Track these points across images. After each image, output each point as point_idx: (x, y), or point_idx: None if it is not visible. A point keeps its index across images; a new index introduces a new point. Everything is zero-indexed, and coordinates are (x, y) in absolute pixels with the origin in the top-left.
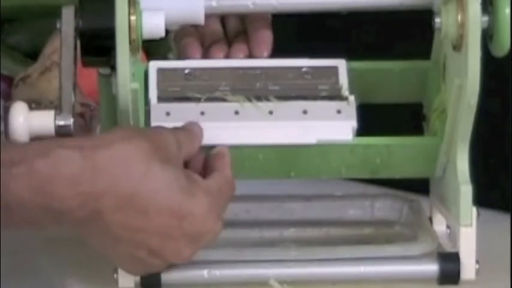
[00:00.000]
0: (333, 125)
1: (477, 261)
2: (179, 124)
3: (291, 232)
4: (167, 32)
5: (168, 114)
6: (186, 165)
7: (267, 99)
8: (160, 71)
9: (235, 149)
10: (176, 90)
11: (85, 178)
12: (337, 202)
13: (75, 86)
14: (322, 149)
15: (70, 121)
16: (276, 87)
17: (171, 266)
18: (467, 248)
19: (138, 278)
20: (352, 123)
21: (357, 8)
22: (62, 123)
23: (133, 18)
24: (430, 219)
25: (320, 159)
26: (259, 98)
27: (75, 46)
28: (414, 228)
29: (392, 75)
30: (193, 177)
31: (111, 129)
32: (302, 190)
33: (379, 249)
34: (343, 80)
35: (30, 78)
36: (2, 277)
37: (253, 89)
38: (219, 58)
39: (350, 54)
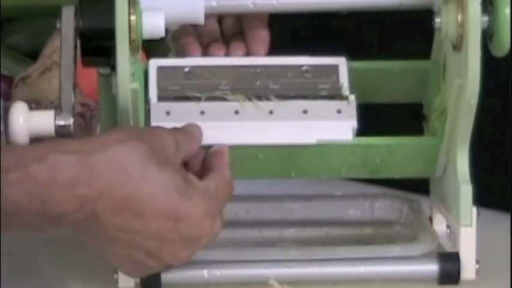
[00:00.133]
0: (333, 124)
1: (477, 261)
2: (179, 124)
3: (291, 232)
4: (167, 31)
5: (168, 113)
6: (185, 165)
7: (267, 99)
8: (160, 69)
9: (235, 149)
10: (176, 89)
11: (81, 182)
12: (337, 202)
13: (75, 86)
14: (322, 149)
15: (70, 121)
16: (276, 86)
17: (170, 267)
18: (467, 248)
19: (138, 278)
20: (352, 123)
21: (357, 8)
22: (62, 123)
23: (133, 18)
24: (430, 219)
25: (320, 159)
26: (259, 97)
27: (75, 46)
28: (414, 228)
29: (392, 75)
30: (190, 179)
31: (109, 130)
32: (302, 190)
33: (379, 249)
34: (344, 79)
35: (30, 78)
36: (1, 277)
37: (253, 87)
38: (219, 56)
39: (350, 54)
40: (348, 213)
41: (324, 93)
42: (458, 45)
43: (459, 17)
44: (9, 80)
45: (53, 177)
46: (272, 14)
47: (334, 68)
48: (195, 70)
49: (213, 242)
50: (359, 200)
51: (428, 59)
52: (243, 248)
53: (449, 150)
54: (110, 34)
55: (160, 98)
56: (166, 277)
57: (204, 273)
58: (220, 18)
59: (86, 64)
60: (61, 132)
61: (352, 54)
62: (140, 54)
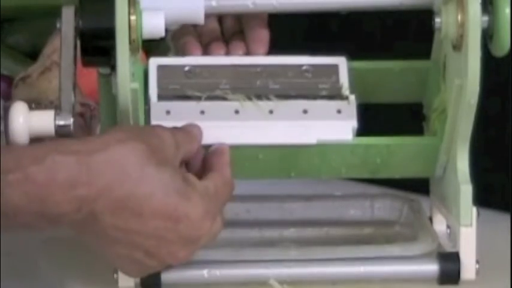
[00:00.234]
0: (333, 124)
1: (477, 261)
2: (179, 123)
3: (291, 232)
4: (167, 31)
5: (168, 112)
6: (186, 165)
7: (267, 98)
8: (161, 68)
9: (235, 149)
10: (176, 88)
11: (80, 182)
12: (337, 202)
13: (75, 86)
14: (322, 149)
15: (70, 121)
16: (276, 86)
17: (170, 266)
18: (467, 248)
19: (138, 278)
20: (352, 123)
21: (357, 8)
22: (62, 123)
23: (133, 18)
24: (430, 219)
25: (320, 159)
26: (259, 97)
27: (75, 46)
28: (414, 228)
29: (392, 75)
30: (189, 179)
31: (108, 129)
32: (302, 190)
33: (379, 249)
34: (344, 79)
35: (30, 78)
36: (1, 277)
37: (254, 87)
38: (219, 55)
39: (350, 54)
40: (348, 213)
41: (324, 93)
42: (458, 45)
43: (459, 17)
44: (9, 80)
45: (51, 178)
46: (272, 14)
47: (334, 68)
48: (195, 69)
49: (213, 241)
50: (359, 200)
51: (428, 59)
52: (243, 248)
53: (449, 150)
54: (110, 34)
55: (160, 97)
56: (166, 277)
57: (204, 273)
58: (220, 17)
59: (86, 64)
60: (61, 132)
61: (352, 54)
62: (140, 54)
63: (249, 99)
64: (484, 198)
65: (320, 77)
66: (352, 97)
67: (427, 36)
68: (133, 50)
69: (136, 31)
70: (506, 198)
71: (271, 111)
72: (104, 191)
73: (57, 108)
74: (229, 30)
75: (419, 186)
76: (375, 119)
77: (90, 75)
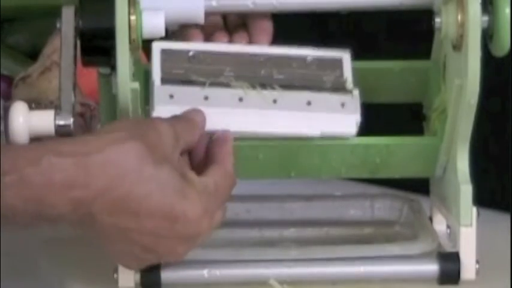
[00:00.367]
0: (337, 118)
1: (477, 261)
2: (182, 108)
3: (291, 232)
4: (167, 31)
5: (171, 96)
6: (189, 153)
7: (271, 88)
8: (164, 52)
9: (235, 148)
10: (180, 72)
11: (77, 184)
12: (337, 202)
13: (75, 86)
14: (322, 148)
15: (70, 121)
16: (281, 76)
17: (170, 265)
18: (467, 248)
19: (138, 278)
20: (356, 117)
21: (357, 8)
22: (62, 123)
23: (133, 18)
24: (430, 219)
25: (320, 159)
26: (263, 86)
27: (75, 46)
28: (414, 228)
29: (392, 75)
30: (188, 177)
31: (107, 125)
32: (302, 190)
33: (379, 249)
34: (348, 73)
35: (30, 78)
36: (1, 277)
37: (258, 76)
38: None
39: (350, 54)
40: (348, 213)
41: (328, 85)
42: (458, 45)
43: (459, 17)
44: (9, 80)
45: (48, 180)
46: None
47: (338, 62)
48: (199, 55)
49: (213, 241)
50: (359, 200)
51: (428, 59)
52: (243, 247)
53: (449, 150)
54: (110, 34)
55: (164, 80)
56: (166, 277)
57: (204, 273)
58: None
59: (86, 64)
60: (61, 132)
61: (352, 54)
62: (140, 54)
63: (253, 87)
64: (484, 198)
65: (324, 69)
66: (356, 91)
67: (427, 36)
68: (133, 50)
69: (136, 31)
70: (506, 198)
71: (275, 101)
72: (101, 192)
73: (57, 108)
74: (232, 24)
75: (419, 186)
76: (375, 119)
77: (90, 75)
